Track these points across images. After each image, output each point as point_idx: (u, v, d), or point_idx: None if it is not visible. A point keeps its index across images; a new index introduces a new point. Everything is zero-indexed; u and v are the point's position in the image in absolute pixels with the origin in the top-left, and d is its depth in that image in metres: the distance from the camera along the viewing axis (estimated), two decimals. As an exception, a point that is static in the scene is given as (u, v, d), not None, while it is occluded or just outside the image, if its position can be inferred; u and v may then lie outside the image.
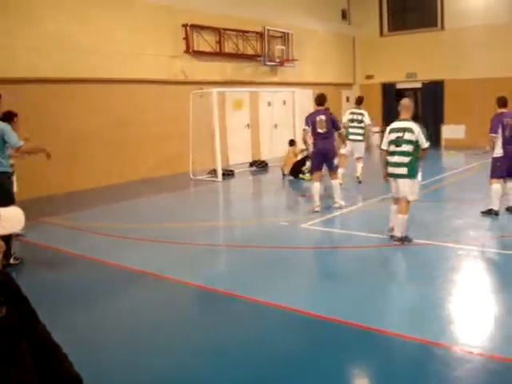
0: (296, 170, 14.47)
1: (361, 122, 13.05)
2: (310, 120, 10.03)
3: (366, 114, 13.17)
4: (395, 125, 7.79)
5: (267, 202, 12.36)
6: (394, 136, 7.67)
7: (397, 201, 7.81)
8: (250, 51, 18.17)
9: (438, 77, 21.83)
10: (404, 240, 7.69)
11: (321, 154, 9.97)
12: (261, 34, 18.32)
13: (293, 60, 19.46)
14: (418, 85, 22.66)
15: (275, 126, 18.80)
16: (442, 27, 21.85)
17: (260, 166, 16.91)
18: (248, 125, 18.42)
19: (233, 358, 4.51)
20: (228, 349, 4.70)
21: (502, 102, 9.21)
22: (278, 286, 6.25)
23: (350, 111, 13.39)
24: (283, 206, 11.73)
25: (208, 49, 16.66)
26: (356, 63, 23.89)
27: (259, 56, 18.35)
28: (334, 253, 7.87)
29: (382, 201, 10.99)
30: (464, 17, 20.98)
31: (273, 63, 18.71)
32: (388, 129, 7.90)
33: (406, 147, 7.56)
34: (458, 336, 4.82)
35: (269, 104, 18.98)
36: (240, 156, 17.65)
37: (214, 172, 14.96)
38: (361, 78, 23.94)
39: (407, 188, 7.60)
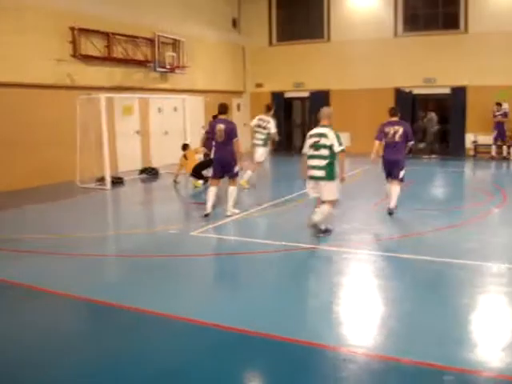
0: (198, 171, 14.25)
1: (265, 128, 13.43)
2: (211, 128, 10.19)
3: (272, 121, 13.53)
4: (314, 131, 8.42)
5: (157, 210, 12.23)
6: (312, 141, 8.31)
7: (320, 202, 8.46)
8: (141, 57, 17.94)
9: (324, 86, 22.57)
10: (325, 232, 8.51)
11: (219, 163, 10.12)
12: (151, 40, 18.15)
13: (184, 67, 19.43)
14: (306, 94, 23.33)
15: (166, 132, 18.67)
16: (329, 39, 22.65)
17: (150, 173, 16.71)
18: (138, 131, 18.15)
19: (117, 368, 4.42)
20: (111, 361, 4.60)
21: (391, 112, 10.23)
22: (164, 294, 6.19)
23: (258, 117, 13.75)
24: (174, 214, 11.64)
25: (97, 53, 16.26)
26: (246, 72, 24.22)
27: (150, 62, 18.16)
28: (222, 260, 7.92)
29: (273, 206, 11.21)
30: (349, 30, 21.86)
31: (164, 70, 18.59)
32: (308, 134, 8.50)
33: (322, 151, 8.17)
34: (343, 337, 5.00)
35: (159, 110, 18.82)
36: (130, 163, 17.33)
37: (102, 180, 14.59)
38: (251, 86, 24.29)
39: (327, 191, 8.25)
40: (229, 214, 10.24)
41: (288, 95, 23.91)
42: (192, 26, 19.97)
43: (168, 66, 18.64)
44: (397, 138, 9.87)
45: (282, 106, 23.76)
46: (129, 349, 4.84)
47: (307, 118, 24.00)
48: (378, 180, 11.25)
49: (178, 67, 19.14)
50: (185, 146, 15.51)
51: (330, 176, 8.21)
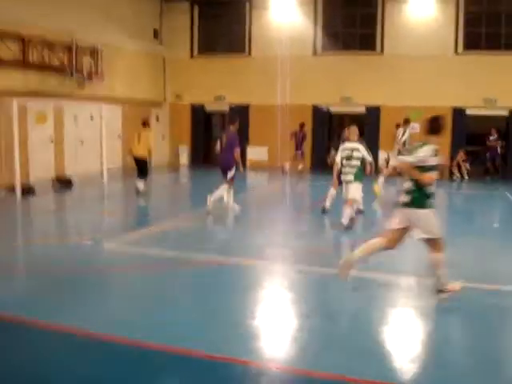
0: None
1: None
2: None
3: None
4: (346, 145, 10.61)
5: (70, 219, 11.88)
6: (345, 154, 10.49)
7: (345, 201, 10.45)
8: (57, 63, 17.42)
9: (244, 101, 22.74)
10: (349, 227, 10.19)
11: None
12: (69, 47, 17.68)
13: (102, 75, 19.02)
14: (226, 107, 23.40)
15: (81, 141, 18.19)
16: (250, 53, 22.89)
17: (64, 182, 16.19)
18: (52, 139, 17.56)
19: None
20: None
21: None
22: (72, 309, 5.98)
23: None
24: (89, 224, 11.30)
25: (10, 57, 15.65)
26: (166, 83, 24.03)
27: (66, 69, 17.65)
28: (134, 274, 7.74)
29: (191, 219, 11.14)
30: (269, 45, 22.16)
31: (81, 77, 18.12)
32: (341, 147, 10.70)
33: (354, 162, 10.43)
34: (254, 350, 5.00)
35: (75, 118, 18.31)
36: (42, 172, 16.73)
37: (12, 189, 14.00)
38: (171, 97, 24.12)
39: (353, 189, 10.42)
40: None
41: (208, 108, 23.91)
42: (112, 35, 19.62)
43: (85, 74, 18.19)
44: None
45: (201, 119, 23.78)
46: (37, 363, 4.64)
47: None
48: (296, 194, 11.22)
49: (95, 75, 18.72)
50: (145, 123, 14.75)
51: (357, 179, 10.46)
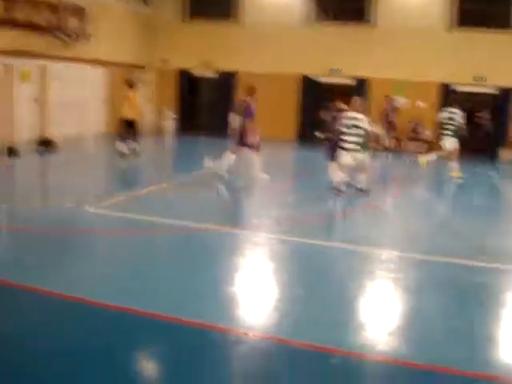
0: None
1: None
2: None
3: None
4: (348, 115, 10.81)
5: (53, 182, 11.75)
6: (349, 122, 10.69)
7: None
8: (43, 23, 17.03)
9: (233, 68, 22.49)
10: (365, 191, 10.85)
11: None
12: (54, 6, 17.29)
13: (88, 36, 18.65)
14: (214, 73, 23.14)
15: (66, 103, 17.93)
16: (241, 21, 22.52)
17: (47, 144, 15.98)
18: (36, 100, 17.28)
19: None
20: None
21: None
22: (55, 271, 5.96)
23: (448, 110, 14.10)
24: (71, 188, 11.16)
25: (-6, 15, 15.28)
26: (154, 46, 23.63)
27: (52, 29, 17.28)
28: (114, 238, 7.70)
29: (177, 185, 11.09)
30: (262, 12, 21.82)
31: (66, 38, 17.76)
32: (344, 116, 10.84)
33: (356, 131, 10.65)
34: (235, 318, 5.02)
35: (60, 79, 17.99)
36: (27, 133, 16.50)
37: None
38: (158, 61, 23.74)
39: (363, 158, 10.79)
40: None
41: (196, 74, 23.62)
42: (99, -6, 19.19)
43: (71, 34, 17.81)
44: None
45: (188, 85, 23.51)
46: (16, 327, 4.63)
47: (215, 98, 23.85)
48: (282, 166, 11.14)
49: (81, 36, 18.35)
50: (130, 84, 14.64)
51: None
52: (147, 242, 7.44)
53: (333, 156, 11.13)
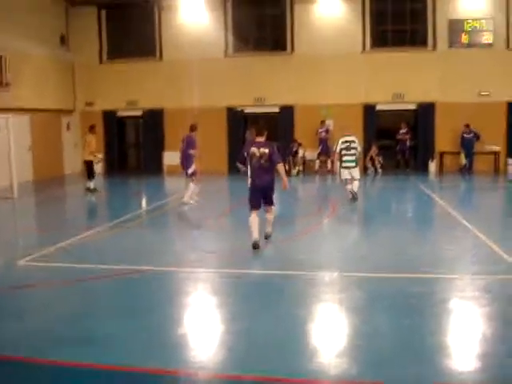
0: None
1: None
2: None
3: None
4: (345, 138, 13.54)
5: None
6: (344, 145, 13.41)
7: (350, 180, 13.56)
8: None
9: (157, 105, 22.45)
10: (355, 197, 13.40)
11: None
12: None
13: (7, 84, 18.21)
14: (139, 113, 23.03)
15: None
16: (161, 57, 22.59)
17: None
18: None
19: None
20: None
21: (258, 131, 9.09)
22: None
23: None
24: (3, 240, 10.72)
25: None
26: (76, 89, 23.32)
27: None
28: (51, 289, 7.42)
29: (110, 229, 10.85)
30: (180, 48, 21.94)
31: (-17, 87, 17.29)
32: (341, 140, 13.55)
33: (352, 151, 13.46)
34: (182, 359, 4.90)
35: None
36: None
37: None
38: (81, 104, 23.40)
39: (357, 172, 13.56)
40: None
41: (121, 114, 23.41)
42: (16, 41, 18.72)
43: (-11, 84, 17.35)
44: (263, 160, 8.80)
45: (114, 126, 23.26)
46: None
47: (141, 137, 23.69)
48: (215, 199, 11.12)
49: (0, 84, 17.90)
50: (92, 129, 16.76)
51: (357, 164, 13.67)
52: (83, 290, 7.19)
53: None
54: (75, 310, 6.35)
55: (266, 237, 9.33)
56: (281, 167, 8.98)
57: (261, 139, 9.00)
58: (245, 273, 7.73)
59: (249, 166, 8.96)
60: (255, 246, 8.77)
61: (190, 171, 13.63)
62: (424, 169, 21.19)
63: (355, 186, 13.49)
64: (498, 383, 4.37)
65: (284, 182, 9.04)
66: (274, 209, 9.43)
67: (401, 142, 21.02)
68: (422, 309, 6.10)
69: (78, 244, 9.72)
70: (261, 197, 8.98)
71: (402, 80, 20.62)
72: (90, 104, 23.24)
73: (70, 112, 23.14)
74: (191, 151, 13.65)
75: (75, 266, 8.27)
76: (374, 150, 20.87)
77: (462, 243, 9.42)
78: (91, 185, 16.44)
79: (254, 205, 8.93)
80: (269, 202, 9.10)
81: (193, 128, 14.16)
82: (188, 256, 8.85)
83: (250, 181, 8.96)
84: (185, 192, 13.67)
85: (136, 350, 5.08)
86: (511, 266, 7.68)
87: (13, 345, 5.25)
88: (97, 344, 5.22)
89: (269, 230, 9.38)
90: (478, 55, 20.35)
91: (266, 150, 8.81)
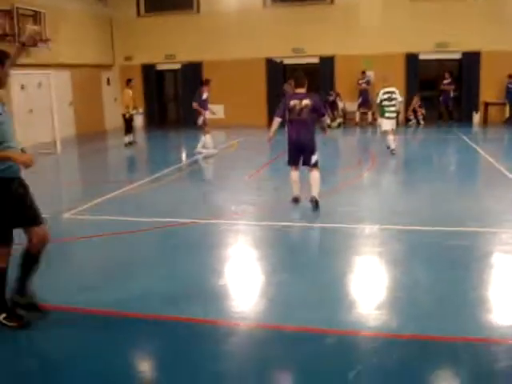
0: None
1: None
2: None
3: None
4: (386, 89, 13.56)
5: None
6: (386, 96, 13.46)
7: (392, 131, 13.70)
8: (-1, 30, 16.70)
9: (196, 58, 22.33)
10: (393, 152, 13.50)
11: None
12: (10, 13, 16.93)
13: (47, 40, 18.34)
14: (178, 66, 22.97)
15: (30, 110, 17.65)
16: (198, 10, 22.36)
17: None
18: None
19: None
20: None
21: (298, 82, 8.55)
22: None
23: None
24: (46, 196, 10.90)
25: None
26: (115, 44, 23.36)
27: (8, 35, 16.95)
28: (98, 242, 7.60)
29: (150, 182, 11.00)
30: (217, 1, 21.71)
31: (24, 43, 17.38)
32: (381, 91, 13.58)
33: (393, 102, 13.54)
34: (223, 310, 4.98)
35: (22, 87, 17.70)
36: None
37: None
38: (120, 59, 23.48)
39: (393, 123, 13.81)
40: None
41: (159, 67, 23.42)
42: (54, -2, 18.83)
43: (29, 40, 17.44)
44: (305, 114, 8.27)
45: (153, 80, 23.31)
46: None
47: (180, 90, 23.66)
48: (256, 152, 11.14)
49: (40, 41, 18.04)
50: (128, 81, 17.01)
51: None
52: (128, 243, 7.34)
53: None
54: (117, 262, 6.51)
55: (312, 201, 8.32)
56: (326, 119, 8.87)
57: (301, 90, 8.42)
58: (285, 225, 7.75)
59: (287, 121, 8.49)
60: (295, 200, 8.71)
61: (198, 122, 14.33)
62: (468, 120, 20.68)
63: (392, 140, 13.52)
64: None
65: (325, 131, 9.00)
66: (317, 169, 8.52)
67: (444, 92, 20.49)
68: (464, 262, 6.03)
69: (123, 196, 9.90)
70: (300, 154, 8.45)
71: (446, 28, 19.91)
72: (128, 58, 23.29)
73: (109, 67, 23.24)
74: (194, 104, 14.25)
75: (122, 218, 8.41)
76: (416, 101, 20.43)
77: (507, 197, 9.21)
78: (126, 139, 16.83)
79: (293, 161, 8.55)
80: (308, 162, 8.45)
81: (203, 83, 14.61)
82: (228, 208, 8.91)
83: (287, 136, 8.56)
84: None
85: (177, 299, 5.18)
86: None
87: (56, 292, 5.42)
88: (142, 295, 5.34)
89: (314, 192, 8.35)
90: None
91: (309, 102, 8.22)
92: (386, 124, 13.66)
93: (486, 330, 4.43)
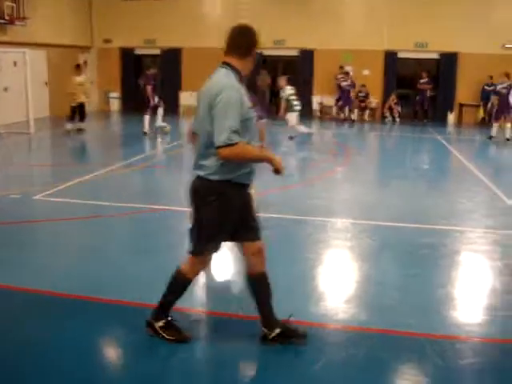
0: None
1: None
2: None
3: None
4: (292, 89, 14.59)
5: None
6: (293, 92, 14.46)
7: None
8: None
9: (176, 44, 22.15)
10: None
11: None
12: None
13: (24, 18, 18.01)
14: (157, 51, 22.76)
15: (5, 89, 17.36)
16: (179, -4, 22.18)
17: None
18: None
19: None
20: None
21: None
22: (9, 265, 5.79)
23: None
24: (16, 177, 10.79)
25: None
26: (94, 26, 23.03)
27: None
28: (64, 225, 7.51)
29: (122, 167, 10.90)
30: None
31: (1, 21, 17.09)
32: (289, 88, 14.30)
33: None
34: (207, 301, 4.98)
35: (-3, 65, 17.38)
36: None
37: None
38: (99, 41, 23.17)
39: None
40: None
41: (138, 52, 23.17)
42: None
43: (6, 17, 17.16)
44: None
45: (131, 64, 23.04)
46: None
47: (159, 75, 23.40)
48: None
49: (17, 18, 17.71)
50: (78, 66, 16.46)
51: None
52: (101, 227, 7.28)
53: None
54: (82, 248, 6.46)
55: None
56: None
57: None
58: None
59: None
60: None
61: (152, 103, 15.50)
62: (442, 120, 20.91)
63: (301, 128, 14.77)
64: (504, 337, 4.41)
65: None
66: None
67: (421, 91, 20.66)
68: (432, 259, 6.12)
69: (93, 180, 9.79)
70: None
71: (425, 28, 20.03)
72: (108, 41, 22.99)
73: (87, 48, 22.92)
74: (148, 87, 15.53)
75: (91, 202, 8.34)
76: (392, 99, 20.59)
77: (476, 196, 9.36)
78: (68, 126, 16.02)
79: None
80: None
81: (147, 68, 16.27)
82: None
83: None
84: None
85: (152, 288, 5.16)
86: (525, 220, 7.66)
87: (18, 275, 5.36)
88: (113, 282, 5.31)
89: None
90: (502, 4, 19.74)
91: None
92: (295, 118, 14.56)
93: (452, 327, 4.51)
